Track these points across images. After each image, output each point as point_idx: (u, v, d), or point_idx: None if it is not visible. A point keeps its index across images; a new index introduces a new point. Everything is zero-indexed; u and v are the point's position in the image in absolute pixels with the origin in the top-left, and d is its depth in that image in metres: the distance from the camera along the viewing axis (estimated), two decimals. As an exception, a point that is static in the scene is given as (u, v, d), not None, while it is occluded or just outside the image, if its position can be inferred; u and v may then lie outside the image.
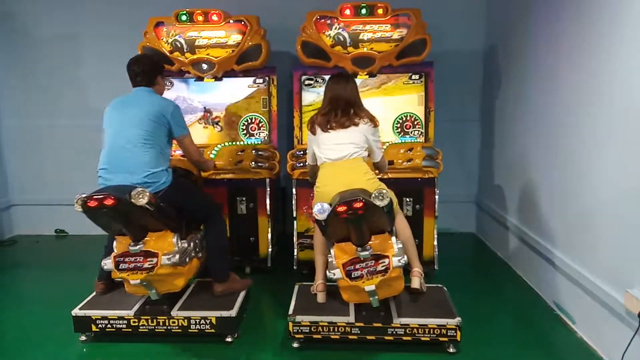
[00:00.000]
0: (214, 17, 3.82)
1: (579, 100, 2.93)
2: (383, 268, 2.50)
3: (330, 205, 2.41)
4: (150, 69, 3.04)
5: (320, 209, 2.41)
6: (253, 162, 3.69)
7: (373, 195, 2.37)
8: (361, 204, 2.33)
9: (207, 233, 3.12)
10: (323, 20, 3.78)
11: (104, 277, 3.08)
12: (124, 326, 2.85)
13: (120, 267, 2.63)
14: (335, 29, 3.78)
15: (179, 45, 3.88)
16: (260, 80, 4.02)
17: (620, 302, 2.43)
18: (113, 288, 3.12)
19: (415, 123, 3.90)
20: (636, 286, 2.34)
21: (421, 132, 3.91)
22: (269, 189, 3.77)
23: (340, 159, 2.80)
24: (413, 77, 3.91)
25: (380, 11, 3.71)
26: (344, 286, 2.61)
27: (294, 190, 3.72)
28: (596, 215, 2.72)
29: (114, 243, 2.77)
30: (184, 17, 3.83)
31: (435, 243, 3.72)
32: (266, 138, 4.00)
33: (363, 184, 2.66)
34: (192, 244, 2.93)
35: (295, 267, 3.78)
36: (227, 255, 3.19)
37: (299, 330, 2.75)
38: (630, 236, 2.41)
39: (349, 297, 2.71)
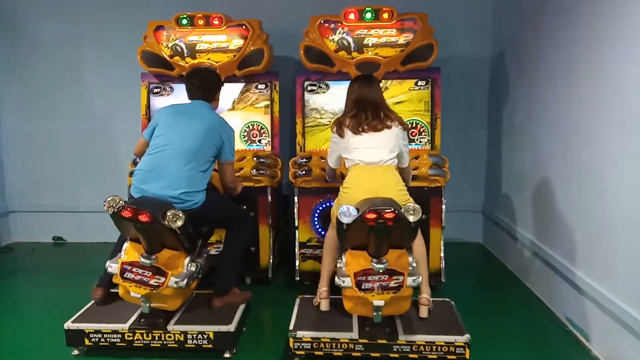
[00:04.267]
0: (215, 21, 3.72)
1: (598, 109, 2.79)
2: (396, 285, 2.38)
3: (357, 209, 2.30)
4: (213, 85, 3.03)
5: (346, 211, 2.30)
6: (254, 170, 3.59)
7: (405, 208, 2.26)
8: (392, 215, 2.22)
9: (227, 240, 3.04)
10: (327, 25, 3.68)
11: (104, 284, 2.97)
12: (118, 340, 2.73)
13: (125, 275, 2.53)
14: (340, 33, 3.67)
15: (179, 50, 3.79)
16: (262, 86, 3.92)
17: (640, 320, 2.30)
18: (111, 297, 3.00)
19: (422, 130, 3.79)
20: (657, 304, 2.22)
21: (427, 140, 3.79)
22: (270, 197, 3.66)
23: (373, 164, 2.69)
24: (419, 83, 3.80)
25: (385, 15, 3.60)
26: (351, 296, 2.49)
27: (295, 199, 3.60)
28: (618, 231, 2.57)
29: (125, 246, 2.67)
30: (184, 21, 3.73)
31: (442, 255, 3.60)
32: (268, 145, 3.90)
33: (394, 194, 2.56)
34: (197, 266, 2.82)
35: (297, 279, 3.66)
36: (238, 269, 3.09)
37: (300, 347, 2.63)
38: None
39: (351, 307, 2.60)
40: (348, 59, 3.67)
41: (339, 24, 3.66)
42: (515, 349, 2.89)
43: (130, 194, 2.82)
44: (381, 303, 2.39)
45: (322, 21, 3.67)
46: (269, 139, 3.92)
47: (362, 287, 2.39)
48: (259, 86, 3.92)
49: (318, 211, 3.60)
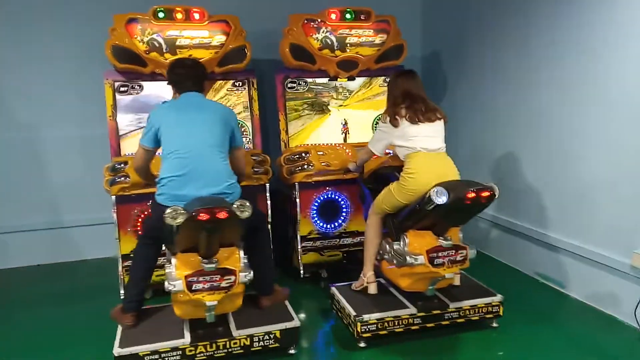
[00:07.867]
0: (196, 16, 3.55)
1: (561, 91, 3.40)
2: (462, 258, 2.68)
3: (447, 190, 2.50)
4: (200, 73, 2.84)
5: (441, 192, 2.50)
6: (252, 168, 3.54)
7: (491, 186, 2.55)
8: (488, 194, 2.50)
9: (256, 243, 2.92)
10: (310, 24, 3.79)
11: (134, 307, 2.70)
12: (179, 357, 2.54)
13: (193, 288, 2.36)
14: (323, 32, 3.81)
15: (157, 45, 3.51)
16: (240, 84, 3.85)
17: (627, 263, 2.96)
18: (140, 319, 2.75)
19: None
20: (640, 247, 2.90)
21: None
22: (269, 194, 3.66)
23: (435, 151, 2.87)
24: (387, 79, 4.13)
25: (363, 16, 3.86)
26: (416, 273, 2.71)
27: (296, 193, 3.65)
28: (592, 192, 3.22)
29: (173, 262, 2.45)
30: (161, 14, 3.48)
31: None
32: (249, 143, 3.85)
33: (456, 177, 2.81)
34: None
35: (301, 271, 3.72)
36: (273, 265, 3.07)
37: (367, 329, 2.78)
38: (628, 206, 2.96)
39: (409, 284, 2.83)
40: (331, 57, 3.83)
41: (323, 23, 3.80)
42: (508, 308, 3.26)
43: (155, 204, 2.59)
44: (452, 275, 2.70)
45: (305, 20, 3.77)
46: (250, 137, 3.87)
47: (435, 263, 2.65)
48: (236, 84, 3.85)
49: (316, 204, 3.71)
